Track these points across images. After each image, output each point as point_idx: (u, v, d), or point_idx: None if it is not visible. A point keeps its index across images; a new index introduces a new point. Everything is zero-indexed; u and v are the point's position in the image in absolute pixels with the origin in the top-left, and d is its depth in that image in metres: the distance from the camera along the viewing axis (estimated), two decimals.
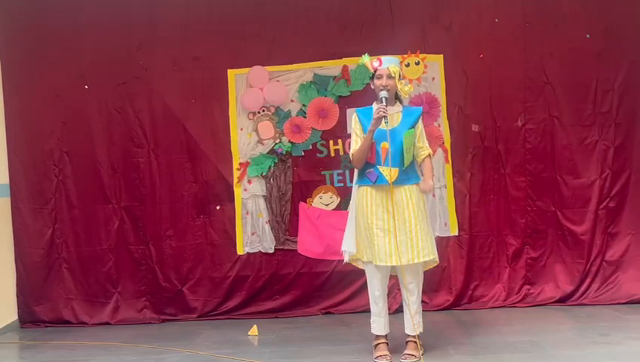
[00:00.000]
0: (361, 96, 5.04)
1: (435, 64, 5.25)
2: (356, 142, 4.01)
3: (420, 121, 4.07)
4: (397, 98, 4.05)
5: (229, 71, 5.31)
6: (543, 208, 5.23)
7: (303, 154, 5.34)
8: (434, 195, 5.21)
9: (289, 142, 5.31)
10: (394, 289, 4.78)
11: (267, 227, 5.35)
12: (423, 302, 4.18)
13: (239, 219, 5.34)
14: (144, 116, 5.34)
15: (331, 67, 5.29)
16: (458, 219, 5.25)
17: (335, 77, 5.28)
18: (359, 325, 4.71)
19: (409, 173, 3.99)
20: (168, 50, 5.32)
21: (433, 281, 5.08)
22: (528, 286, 5.22)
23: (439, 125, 5.27)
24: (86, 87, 5.32)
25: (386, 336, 4.09)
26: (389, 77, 3.93)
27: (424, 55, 5.20)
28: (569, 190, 5.21)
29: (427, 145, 4.11)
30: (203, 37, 5.31)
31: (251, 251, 5.35)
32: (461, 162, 5.25)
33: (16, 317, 5.36)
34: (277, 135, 5.32)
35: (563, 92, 5.21)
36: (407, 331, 4.03)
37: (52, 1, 5.37)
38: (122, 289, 5.35)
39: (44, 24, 5.35)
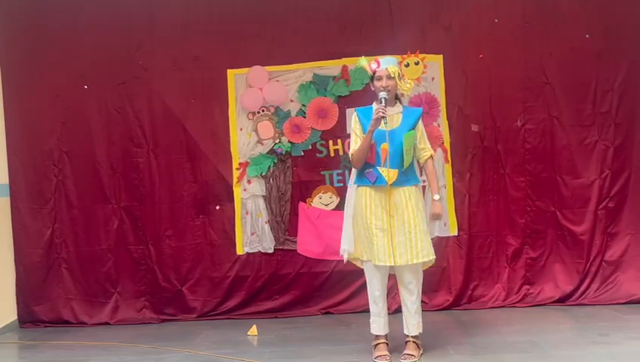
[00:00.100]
0: (361, 96, 5.05)
1: (434, 64, 5.25)
2: (356, 142, 4.01)
3: (421, 121, 4.07)
4: (397, 98, 4.05)
5: (228, 71, 5.32)
6: (543, 208, 5.23)
7: (303, 154, 5.34)
8: None
9: (288, 142, 5.31)
10: (393, 290, 4.77)
11: (267, 227, 5.35)
12: (422, 302, 4.18)
13: (239, 219, 5.34)
14: (144, 116, 5.35)
15: (331, 67, 5.29)
16: (457, 219, 5.25)
17: (335, 77, 5.29)
18: (359, 325, 4.71)
19: (408, 174, 3.99)
20: (168, 50, 5.32)
21: (433, 281, 5.09)
22: (528, 286, 5.23)
23: (439, 125, 5.27)
24: (85, 87, 5.33)
25: (385, 336, 4.09)
26: (389, 77, 3.93)
27: (424, 55, 5.19)
28: (568, 190, 5.21)
29: (429, 145, 4.12)
30: (203, 37, 5.31)
31: (251, 251, 5.35)
32: (461, 162, 5.25)
33: (15, 317, 5.36)
34: (276, 135, 5.32)
35: (562, 92, 5.21)
36: (407, 331, 4.03)
37: (52, 1, 5.38)
38: (122, 289, 5.35)
39: (44, 24, 5.35)
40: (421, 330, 4.04)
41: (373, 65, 3.96)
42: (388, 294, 4.17)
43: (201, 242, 5.35)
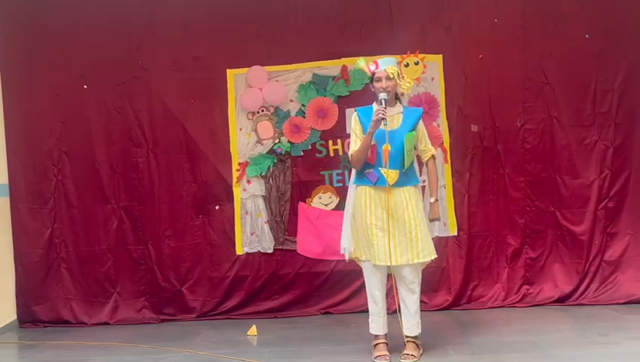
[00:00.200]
0: (361, 96, 5.04)
1: (434, 64, 5.25)
2: (356, 143, 4.01)
3: (421, 121, 4.08)
4: (397, 98, 4.05)
5: (228, 71, 5.31)
6: (542, 208, 5.22)
7: (302, 154, 5.34)
8: None
9: (288, 142, 5.31)
10: (392, 290, 4.77)
11: (266, 227, 5.34)
12: (422, 301, 4.18)
13: (238, 219, 5.34)
14: (143, 116, 5.35)
15: (330, 67, 5.29)
16: (457, 219, 5.24)
17: (334, 77, 5.28)
18: (358, 325, 4.70)
19: (409, 174, 4.00)
20: (168, 50, 5.32)
21: (432, 281, 5.09)
22: (527, 286, 5.22)
23: (438, 125, 5.27)
24: (85, 86, 5.33)
25: (385, 336, 4.09)
26: (388, 79, 3.93)
27: (423, 55, 5.19)
28: (568, 190, 5.21)
29: (430, 145, 4.14)
30: (202, 37, 5.31)
31: (250, 251, 5.35)
32: (460, 162, 5.25)
33: (15, 317, 5.36)
34: (276, 135, 5.32)
35: (562, 92, 5.21)
36: (406, 331, 4.02)
37: (52, 1, 5.38)
38: (121, 289, 5.35)
39: (44, 24, 5.35)
40: (420, 330, 4.04)
41: (372, 67, 3.96)
42: (387, 294, 4.17)
43: (201, 242, 5.35)
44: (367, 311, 4.15)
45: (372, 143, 3.91)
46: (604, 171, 5.19)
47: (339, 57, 5.25)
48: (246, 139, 5.33)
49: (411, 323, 4.00)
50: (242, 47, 5.29)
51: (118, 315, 5.33)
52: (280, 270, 5.34)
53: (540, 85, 5.22)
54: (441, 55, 5.25)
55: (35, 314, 5.33)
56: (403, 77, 4.06)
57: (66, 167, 5.36)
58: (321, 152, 5.33)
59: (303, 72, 5.30)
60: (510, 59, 5.22)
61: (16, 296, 5.36)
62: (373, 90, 4.04)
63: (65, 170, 5.36)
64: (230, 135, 5.33)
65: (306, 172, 5.34)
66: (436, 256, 4.04)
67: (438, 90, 5.27)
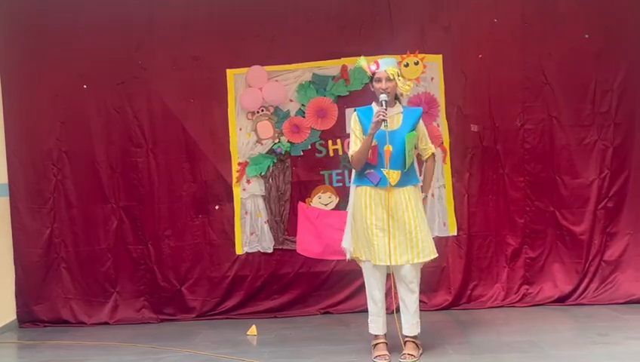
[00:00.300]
0: (360, 96, 5.04)
1: (434, 64, 5.25)
2: (355, 143, 4.01)
3: (421, 121, 4.08)
4: (396, 98, 4.05)
5: (228, 71, 5.31)
6: (542, 208, 5.23)
7: (302, 154, 5.34)
8: (433, 195, 5.22)
9: (288, 141, 5.31)
10: (392, 290, 4.77)
11: (266, 227, 5.34)
12: (421, 301, 4.18)
13: (238, 219, 5.34)
14: (143, 116, 5.34)
15: (330, 67, 5.29)
16: (457, 219, 5.24)
17: (334, 77, 5.29)
18: (358, 325, 4.70)
19: (410, 174, 4.00)
20: (167, 50, 5.32)
21: (432, 281, 5.09)
22: (527, 286, 5.22)
23: (438, 125, 5.27)
24: (85, 86, 5.33)
25: (384, 336, 4.09)
26: (388, 80, 3.93)
27: (423, 55, 5.17)
28: (568, 190, 5.21)
29: (430, 143, 4.17)
30: (202, 37, 5.31)
31: (250, 251, 5.35)
32: (460, 162, 5.25)
33: (14, 317, 5.36)
34: (276, 135, 5.32)
35: (562, 92, 5.21)
36: (406, 331, 4.02)
37: (52, 1, 5.38)
38: (121, 289, 5.35)
39: (44, 24, 5.35)
40: (420, 330, 4.04)
41: (373, 67, 3.96)
42: (386, 294, 4.17)
43: (201, 242, 5.35)
44: (366, 311, 4.15)
45: (373, 144, 3.91)
46: (603, 171, 5.19)
47: (338, 57, 5.26)
48: (246, 139, 5.33)
49: (411, 323, 4.00)
50: (242, 47, 5.29)
51: (117, 315, 5.33)
52: (280, 270, 5.34)
53: (540, 85, 5.22)
54: (440, 55, 5.25)
55: (35, 313, 5.33)
56: (403, 77, 4.06)
57: (65, 166, 5.36)
58: (320, 152, 5.34)
59: (302, 71, 5.30)
60: (510, 59, 5.22)
61: (16, 296, 5.35)
62: (372, 89, 4.04)
63: (64, 170, 5.36)
64: (230, 135, 5.33)
65: (305, 172, 5.34)
66: (437, 255, 4.04)
67: (437, 90, 5.27)
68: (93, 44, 5.30)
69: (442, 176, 5.25)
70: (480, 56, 5.23)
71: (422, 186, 4.15)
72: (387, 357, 3.98)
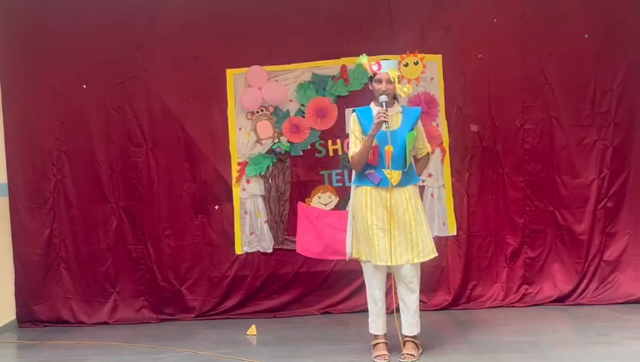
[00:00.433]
0: (360, 96, 5.04)
1: (433, 64, 5.25)
2: (355, 144, 4.01)
3: (420, 120, 4.08)
4: (395, 98, 4.05)
5: (227, 70, 5.31)
6: (542, 208, 5.23)
7: (302, 153, 5.34)
8: (432, 195, 5.22)
9: (287, 141, 5.31)
10: (391, 290, 4.77)
11: (266, 227, 5.34)
12: (421, 301, 4.18)
13: (238, 219, 5.34)
14: (142, 116, 5.34)
15: (330, 67, 5.29)
16: (456, 219, 5.25)
17: (334, 77, 5.29)
18: (357, 325, 4.70)
19: (410, 174, 4.01)
20: (167, 50, 5.32)
21: (431, 281, 5.08)
22: (526, 286, 5.23)
23: (438, 125, 5.27)
24: (84, 86, 5.33)
25: (384, 336, 4.09)
26: (389, 82, 3.93)
27: (423, 55, 5.19)
28: (567, 190, 5.21)
29: (427, 143, 4.17)
30: (202, 37, 5.31)
31: (250, 251, 5.35)
32: (459, 162, 5.25)
33: (14, 317, 5.36)
34: (275, 135, 5.32)
35: (561, 92, 5.21)
36: (406, 331, 4.02)
37: (52, 1, 5.38)
38: (120, 289, 5.35)
39: (44, 24, 5.35)
40: (420, 330, 4.04)
41: (374, 67, 3.96)
42: (386, 294, 4.17)
43: (200, 242, 5.35)
44: (366, 310, 4.15)
45: (374, 145, 3.91)
46: (603, 171, 5.20)
47: (338, 57, 5.26)
48: (245, 139, 5.33)
49: (411, 323, 4.00)
50: (242, 47, 5.29)
51: (117, 315, 5.33)
52: (279, 270, 5.34)
53: (540, 85, 5.23)
54: (440, 55, 5.25)
55: (35, 313, 5.33)
56: (403, 77, 4.05)
57: (65, 166, 5.36)
58: (320, 152, 5.34)
59: (302, 71, 5.30)
60: (509, 59, 5.23)
61: (16, 296, 5.35)
62: (371, 89, 4.04)
63: (64, 170, 5.36)
64: (229, 135, 5.33)
65: (305, 172, 5.34)
66: (436, 254, 4.05)
67: (437, 90, 5.27)
68: (93, 44, 5.30)
69: (442, 176, 5.25)
70: (480, 56, 5.23)
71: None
72: (387, 357, 3.98)
